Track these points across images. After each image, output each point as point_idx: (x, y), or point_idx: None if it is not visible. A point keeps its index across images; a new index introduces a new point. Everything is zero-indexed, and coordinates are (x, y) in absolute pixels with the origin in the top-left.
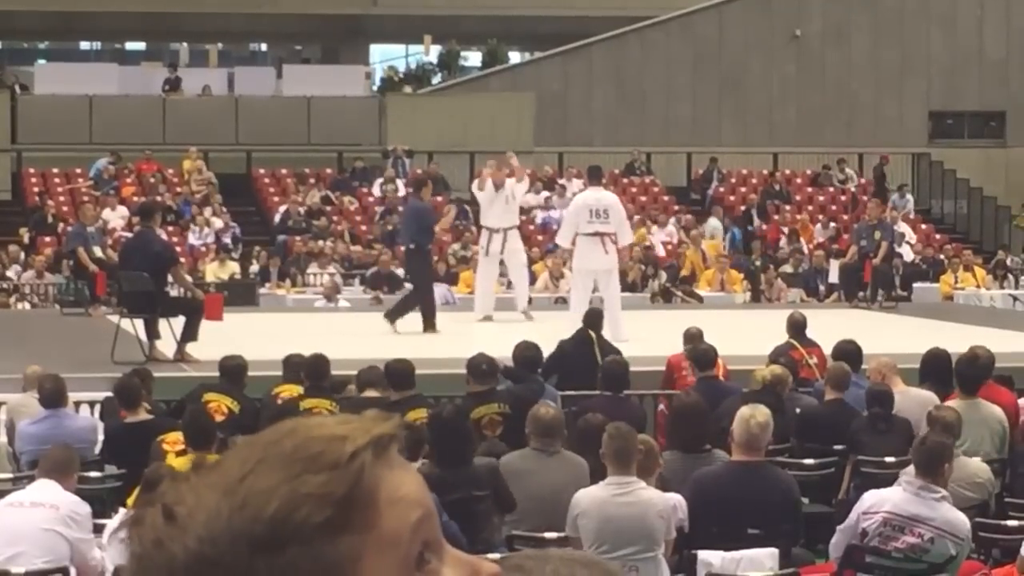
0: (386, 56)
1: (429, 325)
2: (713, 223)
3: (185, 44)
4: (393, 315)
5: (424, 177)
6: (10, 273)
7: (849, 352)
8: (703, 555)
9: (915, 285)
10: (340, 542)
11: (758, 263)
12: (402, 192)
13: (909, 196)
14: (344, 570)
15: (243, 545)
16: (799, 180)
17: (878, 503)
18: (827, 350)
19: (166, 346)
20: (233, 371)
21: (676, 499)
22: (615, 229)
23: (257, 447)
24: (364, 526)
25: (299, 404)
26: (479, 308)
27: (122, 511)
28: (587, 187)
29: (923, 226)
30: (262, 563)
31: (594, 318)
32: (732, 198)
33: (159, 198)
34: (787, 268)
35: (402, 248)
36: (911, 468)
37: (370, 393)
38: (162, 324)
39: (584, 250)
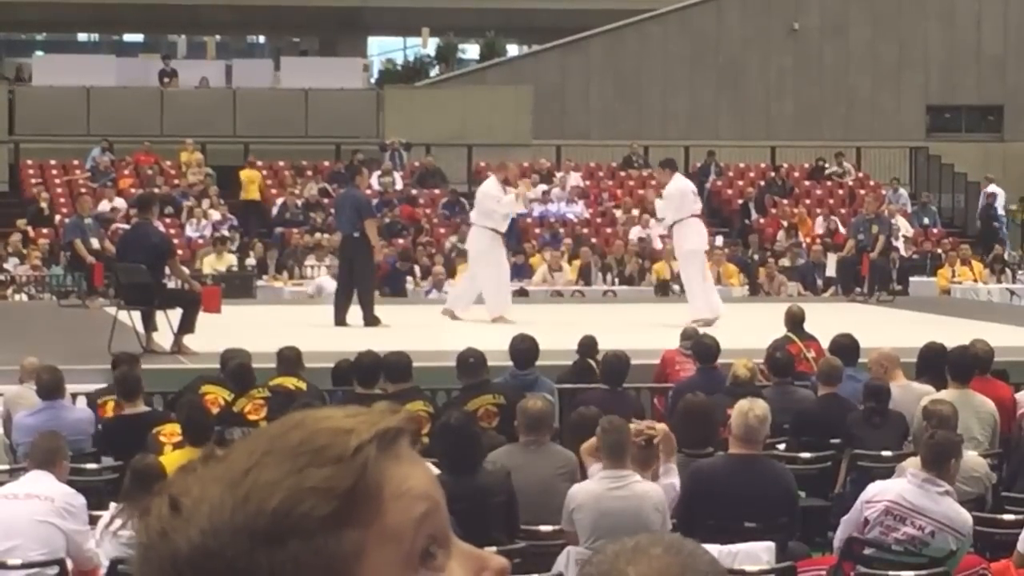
0: (384, 49)
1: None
2: None
3: (183, 36)
4: (369, 318)
5: (359, 166)
6: (7, 265)
7: (846, 346)
8: None
9: (912, 279)
10: (342, 536)
11: (755, 256)
12: (400, 185)
13: (903, 190)
14: (346, 564)
15: (245, 538)
16: (797, 174)
17: (881, 492)
18: (824, 344)
19: (163, 338)
20: (234, 370)
21: (670, 482)
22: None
23: (264, 439)
24: (367, 520)
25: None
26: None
27: (112, 506)
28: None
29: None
30: (263, 556)
31: (588, 346)
32: (730, 191)
33: (156, 190)
34: (785, 262)
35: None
36: (915, 460)
37: (360, 390)
38: (159, 316)
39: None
